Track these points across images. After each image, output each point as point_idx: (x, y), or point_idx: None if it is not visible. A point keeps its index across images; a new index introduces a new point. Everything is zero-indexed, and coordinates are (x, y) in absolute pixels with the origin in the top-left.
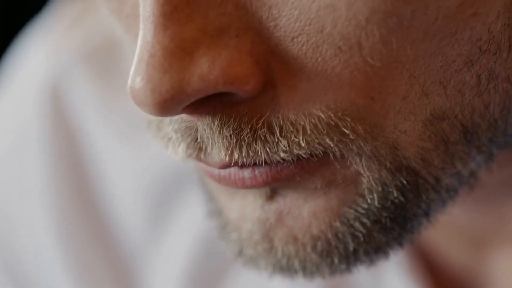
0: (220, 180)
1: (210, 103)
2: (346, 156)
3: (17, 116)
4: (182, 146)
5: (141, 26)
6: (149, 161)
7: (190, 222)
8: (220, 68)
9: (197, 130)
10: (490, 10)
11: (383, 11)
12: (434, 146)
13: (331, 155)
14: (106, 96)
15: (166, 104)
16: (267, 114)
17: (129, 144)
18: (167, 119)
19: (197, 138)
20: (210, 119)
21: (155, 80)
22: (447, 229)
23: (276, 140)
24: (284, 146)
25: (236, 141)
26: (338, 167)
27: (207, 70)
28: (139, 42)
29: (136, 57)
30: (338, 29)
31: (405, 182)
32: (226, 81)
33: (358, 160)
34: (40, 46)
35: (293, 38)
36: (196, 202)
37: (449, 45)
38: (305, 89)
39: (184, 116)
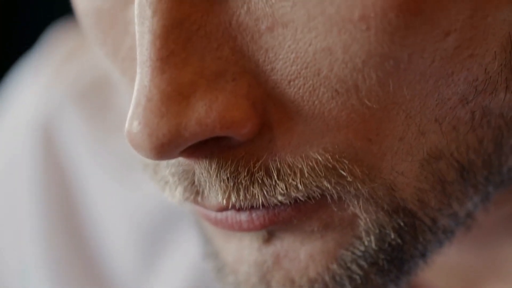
0: (217, 223)
1: (207, 147)
2: (344, 198)
3: (8, 153)
4: (179, 189)
5: (138, 70)
6: (140, 200)
7: (182, 262)
8: (217, 112)
9: (194, 173)
10: (487, 51)
11: (380, 54)
12: (431, 186)
13: (328, 197)
14: (98, 134)
15: (164, 148)
16: (264, 157)
17: (121, 182)
18: (163, 162)
19: (194, 181)
20: (207, 162)
21: (153, 124)
22: (442, 268)
23: (274, 183)
24: (281, 189)
25: (234, 184)
26: (335, 209)
27: (204, 114)
28: (136, 86)
29: (133, 101)
30: (335, 72)
31: (402, 223)
32: (223, 125)
33: (356, 202)
34: (32, 83)
35: (289, 81)
36: (188, 241)
37: (445, 85)
38: (302, 132)
39: (181, 159)
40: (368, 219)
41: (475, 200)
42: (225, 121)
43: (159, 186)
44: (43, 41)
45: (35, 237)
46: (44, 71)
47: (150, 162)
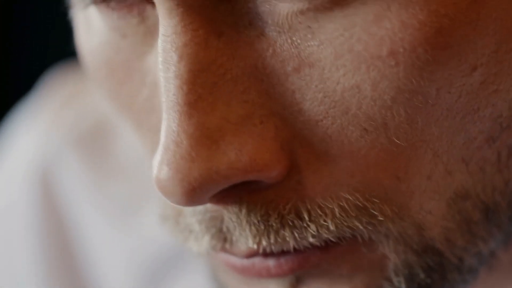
0: (243, 271)
1: (236, 191)
2: (374, 239)
3: (5, 198)
4: (207, 237)
5: (164, 116)
6: (138, 244)
7: None
8: (248, 155)
9: (222, 220)
10: (511, 86)
11: (409, 90)
12: (457, 226)
13: (359, 238)
14: (96, 179)
15: (195, 193)
16: (294, 199)
17: (119, 227)
18: (188, 211)
19: (222, 228)
20: (237, 207)
21: (183, 169)
22: None
23: (305, 225)
24: (313, 230)
25: (264, 228)
26: (365, 251)
27: (235, 158)
28: (164, 132)
29: (160, 147)
30: (364, 110)
31: (431, 263)
32: (254, 169)
33: (386, 243)
34: (30, 128)
35: (317, 122)
36: (187, 286)
37: (471, 122)
38: (331, 172)
39: (208, 206)
40: (397, 260)
41: (498, 239)
42: (256, 165)
43: (181, 237)
44: (40, 85)
45: (33, 282)
46: (42, 116)
47: (171, 213)
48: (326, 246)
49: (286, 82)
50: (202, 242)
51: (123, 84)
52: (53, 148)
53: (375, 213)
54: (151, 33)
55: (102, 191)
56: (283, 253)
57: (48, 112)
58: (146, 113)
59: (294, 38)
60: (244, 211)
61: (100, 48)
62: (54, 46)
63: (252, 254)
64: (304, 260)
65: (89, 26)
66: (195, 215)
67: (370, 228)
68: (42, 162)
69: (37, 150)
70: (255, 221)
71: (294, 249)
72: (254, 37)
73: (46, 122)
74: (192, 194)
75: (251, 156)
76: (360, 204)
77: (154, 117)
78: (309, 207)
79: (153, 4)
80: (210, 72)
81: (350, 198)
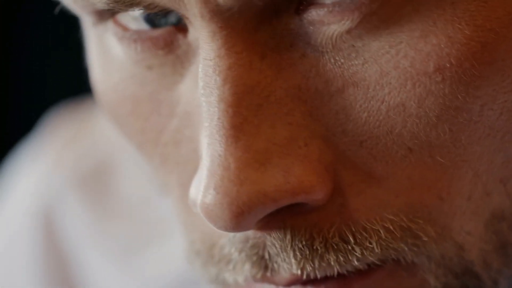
0: None
1: (280, 216)
2: (415, 261)
3: (7, 239)
4: (247, 266)
5: (207, 141)
6: (142, 284)
7: None
8: (295, 178)
9: (264, 247)
10: None
11: (454, 107)
12: (493, 247)
13: (402, 260)
14: (98, 220)
15: (244, 217)
16: (338, 222)
17: (122, 268)
18: (226, 240)
19: (263, 256)
20: (281, 232)
21: (232, 193)
22: None
23: (350, 248)
24: (358, 253)
25: (309, 252)
26: (405, 275)
27: (283, 180)
28: (209, 157)
29: (205, 173)
30: (408, 129)
31: (469, 286)
32: (302, 191)
33: (427, 265)
34: (32, 169)
35: (361, 142)
36: None
37: (510, 142)
38: (375, 194)
39: (250, 233)
40: (437, 283)
41: None
42: (304, 187)
43: (215, 270)
44: (41, 125)
45: None
46: (44, 157)
47: (202, 247)
48: (368, 270)
49: (329, 102)
50: (241, 272)
51: (149, 118)
52: (55, 189)
53: (420, 234)
54: (181, 62)
55: (104, 232)
56: (323, 279)
57: (50, 153)
58: (174, 145)
59: (337, 58)
60: (288, 236)
61: (123, 83)
62: (55, 85)
63: (293, 282)
64: (345, 286)
65: (107, 59)
66: (234, 244)
67: (414, 249)
68: (44, 202)
69: (39, 191)
70: (300, 246)
71: (340, 272)
72: (297, 59)
73: (47, 163)
74: (241, 218)
75: (299, 178)
76: (404, 225)
77: (184, 149)
78: (353, 229)
79: (184, 32)
80: (255, 94)
81: (395, 219)
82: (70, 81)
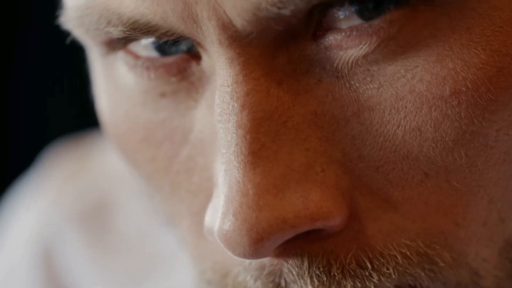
0: None
1: (298, 242)
2: (431, 287)
3: (7, 273)
4: None
5: (224, 167)
6: None
7: None
8: (314, 204)
9: (281, 274)
10: None
11: (470, 131)
12: (506, 275)
13: (418, 286)
14: (98, 256)
15: (263, 243)
16: (354, 248)
17: None
18: (240, 268)
19: (280, 283)
20: (298, 259)
21: (251, 219)
22: None
23: (367, 274)
24: (375, 279)
25: (326, 279)
26: None
27: (302, 206)
28: (227, 184)
29: (224, 199)
30: (425, 153)
31: None
32: (320, 217)
33: None
34: (32, 205)
35: (377, 168)
36: None
37: None
38: (391, 219)
39: (266, 261)
40: None
41: None
42: (323, 212)
43: None
44: (40, 161)
45: None
46: (44, 193)
47: (214, 276)
48: None
49: (345, 127)
50: None
51: (161, 146)
52: (55, 224)
53: (436, 259)
54: (195, 88)
55: (104, 267)
56: None
57: (50, 189)
58: (186, 173)
59: (352, 82)
60: (305, 262)
61: (134, 111)
62: (54, 121)
63: None
64: None
65: (117, 88)
66: (249, 271)
67: (431, 275)
68: (44, 237)
69: (39, 227)
70: (317, 272)
71: None
72: (313, 84)
73: (48, 198)
74: (260, 245)
75: (317, 204)
76: (421, 251)
77: (197, 177)
78: (370, 255)
79: (197, 59)
80: (273, 120)
81: (412, 244)
82: (70, 117)
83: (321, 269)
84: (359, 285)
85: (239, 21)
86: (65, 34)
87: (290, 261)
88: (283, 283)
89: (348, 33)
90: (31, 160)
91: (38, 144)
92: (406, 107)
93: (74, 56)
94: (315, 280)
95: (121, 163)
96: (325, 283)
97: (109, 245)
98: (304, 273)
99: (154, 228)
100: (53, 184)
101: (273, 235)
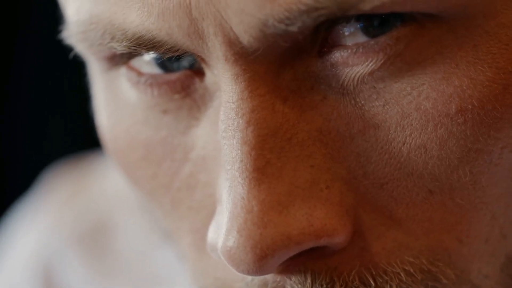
0: None
1: (301, 259)
2: None
3: None
4: None
5: (229, 183)
6: None
7: None
8: (319, 220)
9: None
10: None
11: (475, 149)
12: None
13: None
14: (97, 277)
15: (267, 260)
16: (358, 265)
17: None
18: (241, 285)
19: None
20: (302, 276)
21: (256, 235)
22: None
23: None
24: None
25: None
26: None
27: (306, 223)
28: (231, 200)
29: (228, 215)
30: (429, 171)
31: None
32: (325, 234)
33: None
34: (32, 226)
35: (382, 185)
36: None
37: None
38: (395, 236)
39: (268, 277)
40: None
41: None
42: (327, 229)
43: None
44: (39, 183)
45: None
46: (43, 215)
47: None
48: None
49: (350, 145)
50: None
51: (162, 163)
52: (55, 246)
53: (440, 276)
54: (197, 106)
55: None
56: None
57: (49, 210)
58: (187, 190)
59: (357, 99)
60: (309, 279)
61: (135, 128)
62: (52, 142)
63: None
64: None
65: (118, 104)
66: None
67: None
68: (43, 258)
69: (38, 248)
70: None
71: None
72: (318, 101)
73: (47, 220)
74: (264, 261)
75: (322, 221)
76: (424, 268)
77: (199, 194)
78: (374, 272)
79: (200, 76)
80: (278, 137)
81: (415, 261)
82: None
83: (324, 286)
84: None
85: (246, 37)
86: (66, 49)
87: (293, 278)
88: None
89: (355, 50)
90: (31, 181)
91: (38, 165)
92: (412, 124)
93: (74, 75)
94: None
95: (121, 184)
96: None
97: (109, 266)
98: None
99: (153, 248)
100: (53, 206)
101: (278, 252)
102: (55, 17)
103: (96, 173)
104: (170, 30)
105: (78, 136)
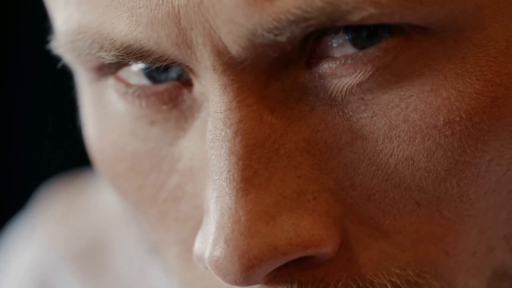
0: None
1: (288, 270)
2: None
3: None
4: None
5: (216, 194)
6: None
7: None
8: (306, 231)
9: None
10: None
11: (463, 161)
12: None
13: None
14: None
15: (254, 270)
16: (345, 276)
17: None
18: None
19: None
20: (288, 286)
21: (243, 245)
22: None
23: None
24: None
25: None
26: None
27: (293, 234)
28: (219, 210)
29: (215, 226)
30: (417, 183)
31: None
32: (312, 244)
33: None
34: (27, 246)
35: (369, 196)
36: None
37: None
38: (382, 248)
39: None
40: None
41: None
42: (314, 240)
43: None
44: (34, 201)
45: None
46: (39, 233)
47: None
48: None
49: (338, 156)
50: None
51: (149, 175)
52: (50, 264)
53: None
54: (185, 117)
55: None
56: None
57: (45, 229)
58: (174, 201)
59: (346, 111)
60: None
61: (123, 139)
62: (48, 158)
63: None
64: None
65: (106, 116)
66: None
67: None
68: (39, 277)
69: (34, 266)
70: None
71: None
72: (306, 112)
73: (43, 239)
74: (251, 272)
75: (309, 232)
76: (411, 280)
77: (185, 205)
78: (360, 284)
79: (188, 87)
80: (265, 147)
81: (402, 273)
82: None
83: None
84: None
85: (234, 47)
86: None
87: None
88: None
89: (343, 61)
90: (26, 199)
91: (32, 183)
92: (400, 136)
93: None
94: None
95: (115, 200)
96: None
97: (105, 283)
98: None
99: (149, 265)
100: (48, 224)
101: (265, 262)
102: (44, 28)
103: (91, 190)
104: (159, 39)
105: (72, 151)
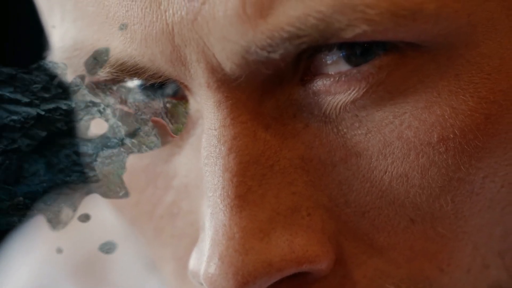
0: None
1: (282, 286)
2: None
3: None
4: None
5: (210, 210)
6: None
7: None
8: (300, 247)
9: None
10: None
11: (457, 178)
12: None
13: None
14: None
15: (249, 286)
16: None
17: None
18: None
19: None
20: None
21: (237, 262)
22: None
23: None
24: None
25: None
26: None
27: (288, 250)
28: (213, 227)
29: (210, 242)
30: (411, 200)
31: None
32: (306, 261)
33: None
34: (26, 259)
35: (364, 213)
36: None
37: (509, 214)
38: (376, 264)
39: None
40: None
41: None
42: (308, 256)
43: None
44: (34, 213)
45: None
46: (37, 247)
47: None
48: None
49: (332, 172)
50: None
51: (145, 191)
52: (50, 278)
53: None
54: (180, 134)
55: None
56: None
57: (44, 241)
58: (169, 218)
59: (340, 127)
60: None
61: None
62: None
63: None
64: None
65: None
66: None
67: None
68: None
69: (33, 279)
70: None
71: None
72: (300, 129)
73: (42, 252)
74: None
75: (303, 248)
76: None
77: (181, 221)
78: None
79: (184, 104)
80: (259, 164)
81: None
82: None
83: None
84: None
85: (228, 64)
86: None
87: None
88: None
89: (337, 78)
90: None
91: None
92: (394, 153)
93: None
94: None
95: (114, 214)
96: None
97: None
98: None
99: (148, 281)
100: (47, 236)
101: (259, 279)
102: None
103: (91, 203)
104: (153, 56)
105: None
